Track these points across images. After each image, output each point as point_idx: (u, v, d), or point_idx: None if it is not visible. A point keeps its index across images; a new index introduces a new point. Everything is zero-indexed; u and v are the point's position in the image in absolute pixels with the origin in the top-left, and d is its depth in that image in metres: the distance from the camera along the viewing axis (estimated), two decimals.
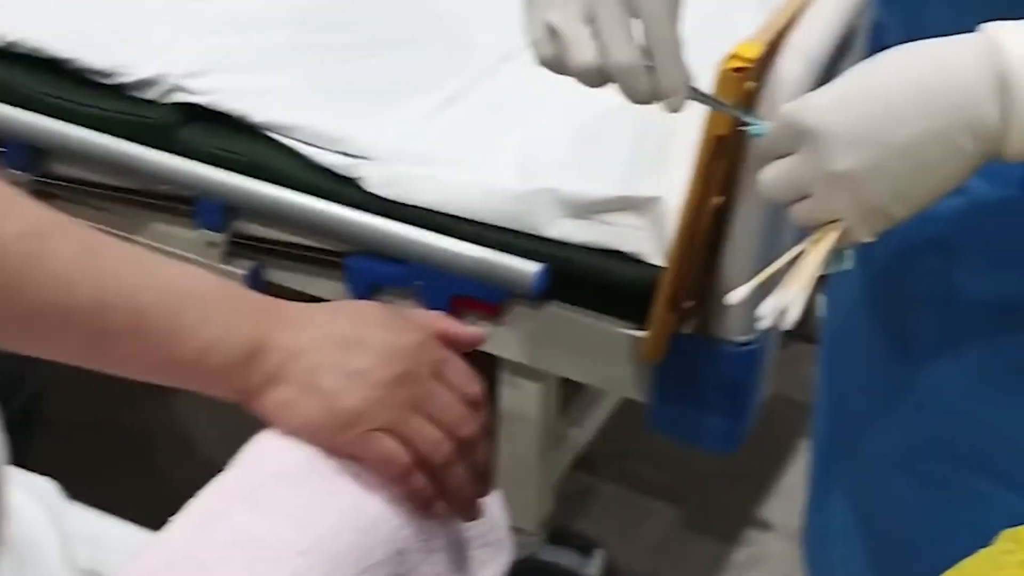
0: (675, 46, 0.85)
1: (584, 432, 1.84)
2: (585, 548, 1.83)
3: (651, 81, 0.85)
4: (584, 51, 0.85)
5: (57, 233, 0.76)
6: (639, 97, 0.86)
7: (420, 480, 0.82)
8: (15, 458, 1.03)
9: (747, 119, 0.85)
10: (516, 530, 1.69)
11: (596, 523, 2.00)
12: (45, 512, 1.01)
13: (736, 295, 0.85)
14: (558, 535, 1.80)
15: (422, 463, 0.82)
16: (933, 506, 1.00)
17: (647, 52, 0.85)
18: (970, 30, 0.83)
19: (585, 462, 1.93)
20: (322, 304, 0.85)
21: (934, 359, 0.96)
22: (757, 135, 0.84)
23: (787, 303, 0.81)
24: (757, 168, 0.83)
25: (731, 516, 2.03)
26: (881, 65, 0.76)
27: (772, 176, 0.80)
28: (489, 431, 0.87)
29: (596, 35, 0.85)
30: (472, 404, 0.85)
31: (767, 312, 0.82)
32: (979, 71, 0.72)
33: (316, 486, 0.81)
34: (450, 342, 0.88)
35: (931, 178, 0.75)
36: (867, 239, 0.80)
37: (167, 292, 0.79)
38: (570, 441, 1.80)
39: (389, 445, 0.81)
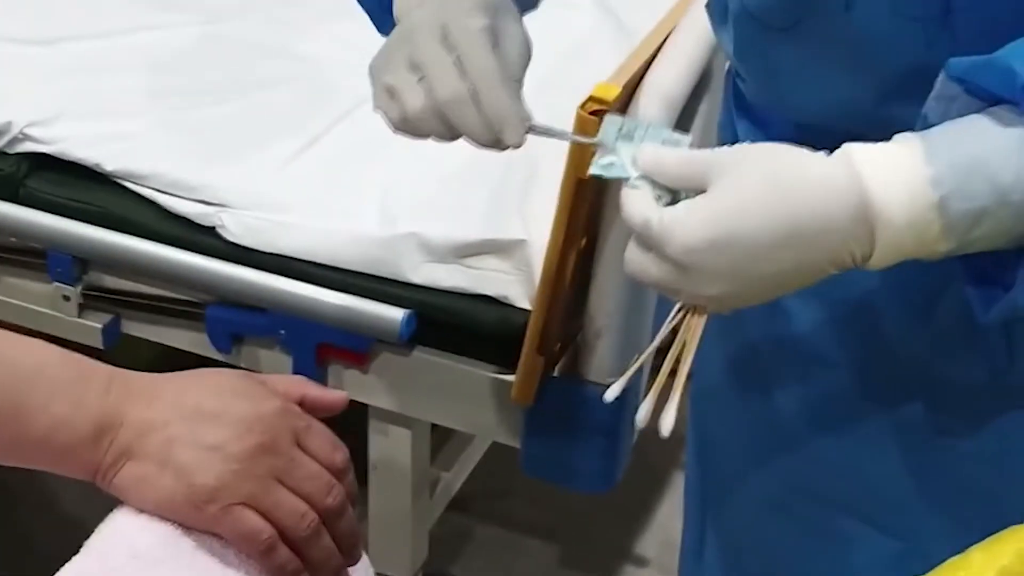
0: (494, 74, 0.83)
1: (457, 475, 1.81)
2: None
3: (480, 113, 0.83)
4: (413, 97, 0.84)
5: None
6: (474, 132, 0.85)
7: (284, 554, 0.79)
8: None
9: (600, 156, 0.81)
10: None
11: (472, 565, 1.97)
12: None
13: (611, 393, 0.85)
14: None
15: (286, 536, 0.79)
16: (804, 547, 1.00)
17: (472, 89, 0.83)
18: (821, 80, 0.83)
19: (458, 503, 1.90)
20: (174, 374, 0.81)
21: (786, 402, 0.96)
22: (603, 177, 0.80)
23: (663, 409, 0.79)
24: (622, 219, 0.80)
25: (607, 552, 2.02)
26: (746, 197, 0.73)
27: (637, 268, 0.77)
28: (354, 498, 0.84)
29: (422, 79, 0.84)
30: (337, 471, 0.81)
31: (642, 418, 0.82)
32: (842, 208, 0.71)
33: (176, 567, 0.77)
34: (312, 407, 0.84)
35: (795, 288, 0.76)
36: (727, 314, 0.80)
37: (11, 369, 0.75)
38: (443, 486, 1.77)
39: (251, 520, 0.77)
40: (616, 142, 0.78)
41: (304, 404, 0.84)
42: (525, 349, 1.39)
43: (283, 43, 1.83)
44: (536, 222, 1.41)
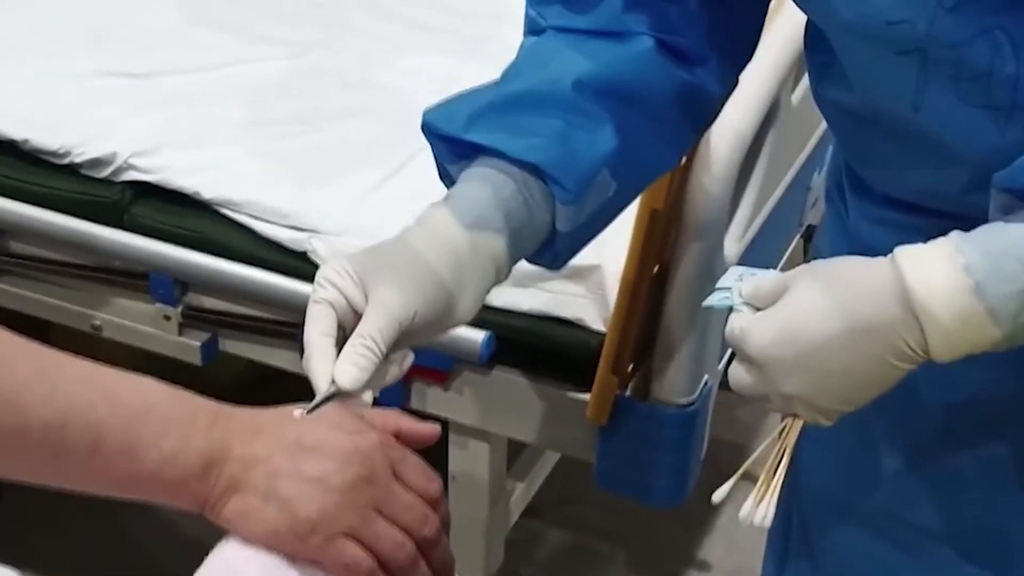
0: (312, 350, 0.83)
1: (531, 485, 1.83)
2: None
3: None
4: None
5: (8, 353, 0.74)
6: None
7: None
8: None
9: (715, 292, 0.87)
10: None
11: (544, 569, 1.98)
12: None
13: (719, 494, 0.88)
14: None
15: (385, 566, 0.80)
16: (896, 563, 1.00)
17: None
18: (907, 168, 0.86)
19: (531, 508, 1.91)
20: (275, 409, 0.83)
21: (882, 437, 0.97)
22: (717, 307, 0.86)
23: (763, 507, 0.84)
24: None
25: (673, 557, 2.03)
26: (807, 297, 0.79)
27: (735, 381, 0.84)
28: (448, 526, 0.85)
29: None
30: (432, 502, 0.83)
31: (746, 514, 0.86)
32: (888, 298, 0.76)
33: None
34: (406, 439, 0.85)
35: (874, 386, 0.80)
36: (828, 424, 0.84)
37: (122, 408, 0.76)
38: (518, 495, 1.78)
39: (352, 550, 0.78)
40: (735, 282, 0.85)
41: (399, 436, 0.85)
42: (600, 370, 1.41)
43: (365, 75, 1.86)
44: (609, 248, 1.42)
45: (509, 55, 0.98)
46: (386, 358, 0.84)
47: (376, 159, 1.66)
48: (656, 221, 1.32)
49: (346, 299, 0.83)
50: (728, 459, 2.07)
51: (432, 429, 0.88)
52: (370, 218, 1.56)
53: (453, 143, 0.92)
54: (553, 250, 0.94)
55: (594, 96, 0.92)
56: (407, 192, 1.60)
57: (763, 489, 0.85)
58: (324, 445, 0.80)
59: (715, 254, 1.39)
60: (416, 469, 0.83)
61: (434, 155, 0.95)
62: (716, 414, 1.62)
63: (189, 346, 1.63)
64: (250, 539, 0.79)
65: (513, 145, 0.90)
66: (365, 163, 1.65)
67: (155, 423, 0.77)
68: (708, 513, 2.08)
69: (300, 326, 1.52)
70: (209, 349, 1.63)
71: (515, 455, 1.78)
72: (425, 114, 0.93)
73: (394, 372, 0.85)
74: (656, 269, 1.37)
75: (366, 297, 0.83)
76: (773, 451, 0.86)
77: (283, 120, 1.75)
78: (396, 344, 0.84)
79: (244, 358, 1.65)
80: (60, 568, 1.81)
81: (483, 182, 0.90)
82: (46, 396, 0.74)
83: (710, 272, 1.37)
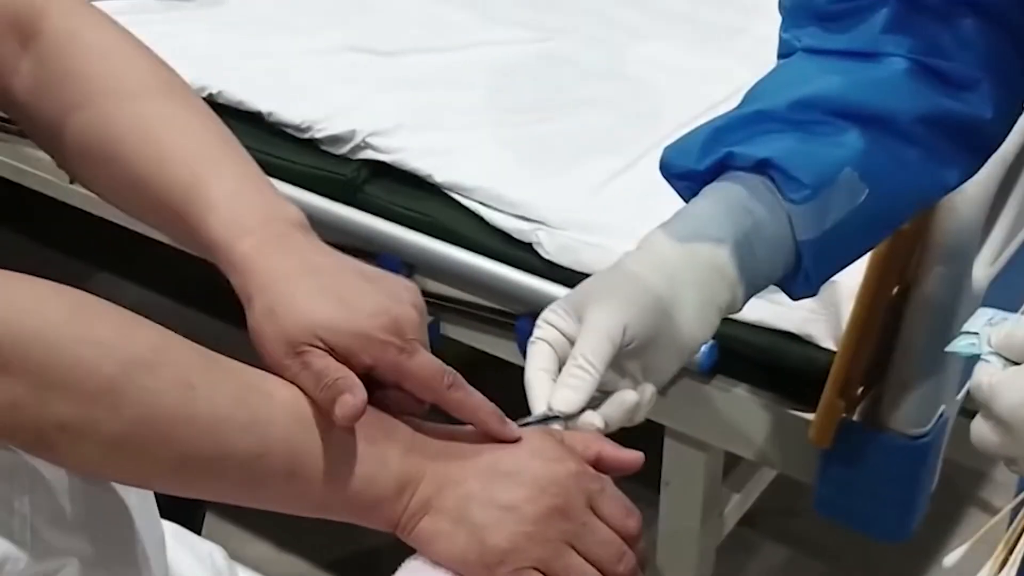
0: (531, 386, 0.82)
1: (748, 496, 1.75)
2: None
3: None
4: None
5: (207, 381, 0.72)
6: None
7: None
8: (181, 517, 1.00)
9: (961, 337, 0.78)
10: None
11: None
12: None
13: (951, 559, 0.80)
14: None
15: None
16: None
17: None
18: None
19: (746, 517, 1.82)
20: (467, 428, 0.80)
21: None
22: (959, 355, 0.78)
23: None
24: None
25: None
26: None
27: (978, 438, 0.75)
28: (645, 564, 0.80)
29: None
30: (629, 538, 0.78)
31: (951, 562, 0.78)
32: None
33: None
34: (608, 466, 0.81)
35: None
36: None
37: (320, 435, 0.75)
38: (733, 505, 1.71)
39: None
40: (985, 327, 0.77)
41: (600, 462, 0.80)
42: (826, 391, 1.33)
43: (609, 63, 1.80)
44: None
45: (759, 49, 0.92)
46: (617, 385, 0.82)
47: (610, 151, 1.61)
48: (901, 238, 1.23)
49: (562, 334, 0.82)
50: (963, 486, 1.94)
51: (635, 457, 0.82)
52: (599, 213, 1.51)
53: (691, 178, 0.89)
54: (801, 270, 0.88)
55: (836, 113, 0.87)
56: (639, 188, 1.54)
57: (1001, 560, 0.75)
58: (520, 472, 0.76)
59: (962, 279, 1.28)
60: (615, 502, 0.78)
61: (679, 195, 0.91)
62: (952, 435, 1.51)
63: None
64: (438, 562, 0.76)
65: (744, 147, 0.86)
66: (599, 155, 1.60)
67: (352, 449, 0.75)
68: (936, 542, 1.95)
69: (520, 317, 1.52)
70: (432, 333, 1.58)
71: (732, 464, 1.70)
72: (663, 154, 0.90)
73: (630, 400, 0.83)
74: (896, 289, 1.28)
75: (581, 323, 0.82)
76: (1017, 522, 0.76)
77: (522, 107, 1.71)
78: (626, 369, 0.82)
79: (465, 345, 1.62)
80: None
81: (705, 196, 0.87)
82: (246, 426, 0.73)
83: (955, 298, 1.28)
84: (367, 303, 0.76)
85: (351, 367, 0.74)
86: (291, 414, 0.74)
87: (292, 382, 0.75)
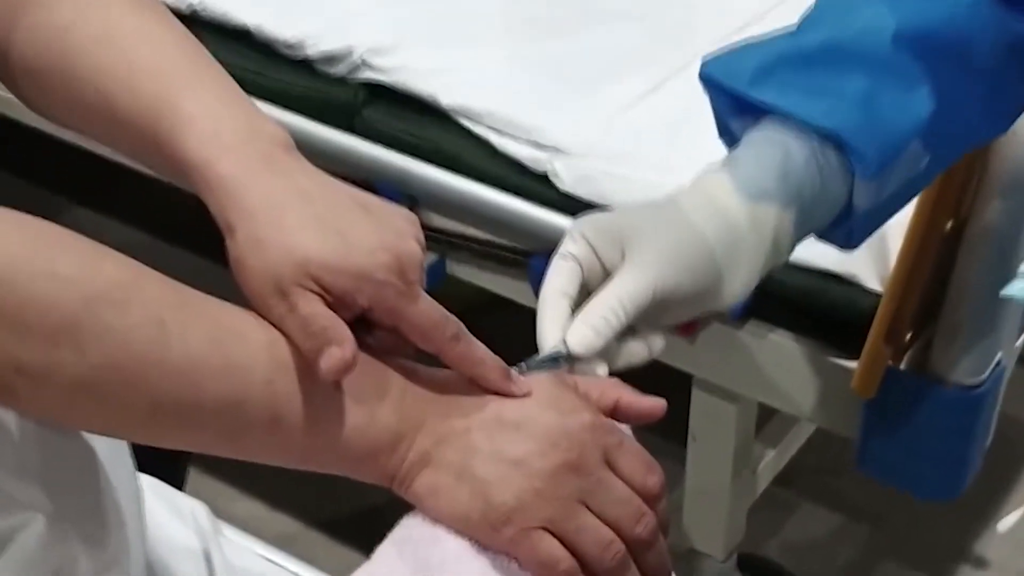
0: (545, 307, 0.80)
1: (784, 453, 1.72)
2: None
3: None
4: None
5: (180, 320, 0.69)
6: None
7: None
8: (162, 471, 0.98)
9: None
10: (702, 556, 1.62)
11: (791, 545, 1.88)
12: (196, 539, 0.97)
13: (1006, 523, 0.77)
14: (748, 562, 1.68)
15: (588, 567, 0.73)
16: None
17: None
18: None
19: (784, 475, 1.80)
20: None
21: None
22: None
23: None
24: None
25: (941, 548, 1.88)
26: None
27: None
28: (667, 526, 0.76)
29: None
30: (649, 497, 0.75)
31: (1005, 527, 0.75)
32: None
33: None
34: (626, 415, 0.78)
35: None
36: None
37: (303, 383, 0.71)
38: (767, 463, 1.68)
39: (550, 546, 0.72)
40: None
41: (617, 411, 0.77)
42: (871, 336, 1.28)
43: None
44: None
45: None
46: (632, 332, 0.80)
47: (637, 71, 1.56)
48: (956, 169, 1.18)
49: (597, 257, 0.79)
50: (1020, 443, 1.90)
51: (657, 404, 0.79)
52: (622, 140, 1.47)
53: (736, 98, 0.86)
54: (847, 228, 0.88)
55: (910, 50, 0.84)
56: (667, 112, 1.50)
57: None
58: (529, 423, 0.73)
59: (1022, 214, 1.23)
60: (634, 458, 0.75)
61: (713, 108, 0.89)
62: (1009, 387, 1.48)
63: None
64: (438, 520, 0.74)
65: (809, 108, 0.83)
66: (624, 75, 1.55)
67: (340, 396, 0.72)
68: (989, 504, 1.92)
69: (533, 255, 1.49)
70: (436, 272, 1.58)
71: (766, 418, 1.67)
72: (704, 64, 0.87)
73: (638, 353, 0.81)
74: (950, 225, 1.23)
75: (623, 256, 0.79)
76: None
77: (539, 19, 1.66)
78: (645, 318, 0.79)
79: (473, 284, 1.59)
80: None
81: (772, 147, 0.84)
82: (221, 371, 0.70)
83: (1015, 235, 1.22)
84: (366, 238, 0.72)
85: (345, 309, 0.71)
86: (273, 357, 0.71)
87: (275, 326, 0.71)
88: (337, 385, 0.72)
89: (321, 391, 0.71)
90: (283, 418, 0.71)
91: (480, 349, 0.75)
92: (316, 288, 0.71)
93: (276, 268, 0.71)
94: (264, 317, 0.72)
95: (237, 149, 0.74)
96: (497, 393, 0.75)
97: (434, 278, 1.59)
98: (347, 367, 0.70)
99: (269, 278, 0.71)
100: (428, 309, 0.73)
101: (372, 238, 0.72)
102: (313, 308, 0.70)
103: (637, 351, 0.81)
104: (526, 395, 0.75)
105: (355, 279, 0.71)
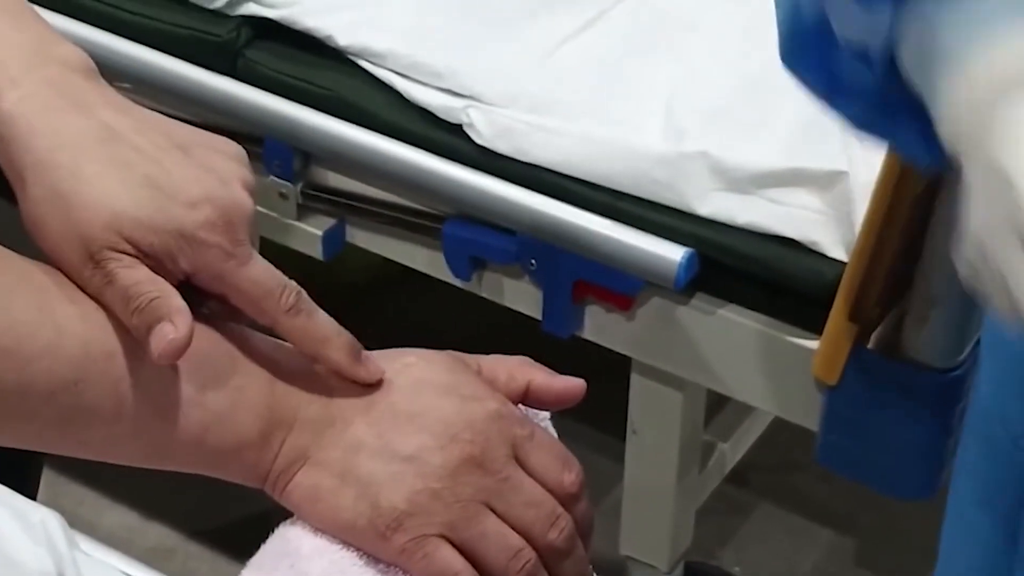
0: None
1: (736, 447, 1.77)
2: None
3: None
4: None
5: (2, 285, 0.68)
6: None
7: None
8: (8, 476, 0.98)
9: None
10: (643, 566, 1.66)
11: (746, 552, 1.94)
12: (49, 558, 0.97)
13: None
14: (696, 573, 1.72)
15: None
16: None
17: None
18: None
19: (736, 473, 1.86)
20: (370, 353, 0.76)
21: None
22: None
23: None
24: None
25: (914, 553, 1.93)
26: None
27: None
28: (588, 530, 0.78)
29: None
30: (565, 497, 0.76)
31: None
32: None
33: None
34: (539, 398, 0.79)
35: None
36: None
37: (149, 357, 0.70)
38: (717, 458, 1.73)
39: (448, 557, 0.73)
40: None
41: (529, 394, 0.79)
42: (834, 312, 1.33)
43: None
44: (862, 150, 1.34)
45: None
46: None
47: (562, 7, 1.59)
48: None
49: None
50: None
51: (573, 384, 0.80)
52: (546, 87, 1.50)
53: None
54: None
55: None
56: (596, 56, 1.54)
57: None
58: (424, 413, 0.74)
59: None
60: (548, 452, 0.77)
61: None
62: None
63: (308, 234, 1.61)
64: (320, 528, 0.74)
65: None
66: (548, 13, 1.58)
67: (195, 374, 0.72)
68: None
69: (446, 219, 1.51)
70: (333, 239, 1.61)
71: (717, 407, 1.72)
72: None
73: None
74: (923, 186, 1.26)
75: None
76: None
77: None
78: None
79: (376, 255, 1.62)
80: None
81: None
82: (50, 346, 0.68)
83: None
84: (185, 186, 0.70)
85: (165, 275, 0.70)
86: (112, 329, 0.70)
87: (94, 299, 0.70)
88: (190, 360, 0.70)
89: (169, 373, 0.71)
90: (127, 405, 0.70)
91: (325, 323, 0.74)
92: (132, 250, 0.69)
93: (81, 229, 0.69)
94: (81, 290, 0.70)
95: (20, 81, 0.71)
96: (345, 378, 0.74)
97: (331, 247, 1.61)
98: (181, 347, 0.68)
99: (75, 242, 0.69)
100: (260, 274, 0.72)
101: (193, 187, 0.71)
102: (134, 274, 0.69)
103: None
104: (378, 382, 0.74)
105: (173, 238, 0.69)
